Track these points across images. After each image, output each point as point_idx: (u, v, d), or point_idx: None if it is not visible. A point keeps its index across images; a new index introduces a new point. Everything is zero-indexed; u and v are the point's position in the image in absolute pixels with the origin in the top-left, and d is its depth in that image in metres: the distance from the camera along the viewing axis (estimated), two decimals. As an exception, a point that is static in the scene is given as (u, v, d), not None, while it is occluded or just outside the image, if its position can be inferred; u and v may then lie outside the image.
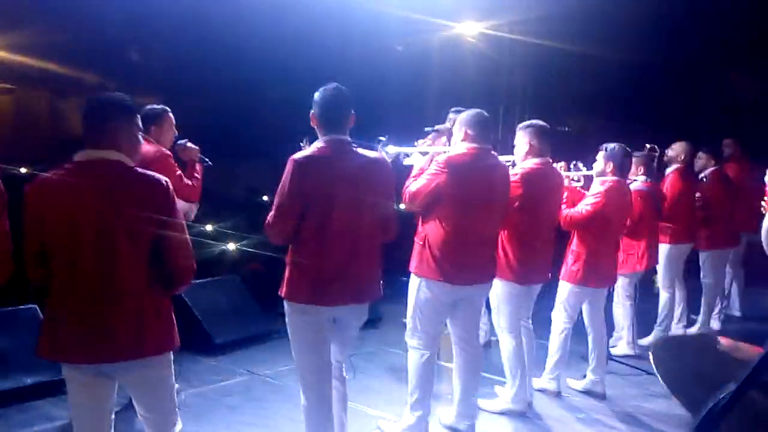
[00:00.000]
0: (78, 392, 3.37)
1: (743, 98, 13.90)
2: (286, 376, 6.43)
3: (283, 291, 3.92)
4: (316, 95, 3.90)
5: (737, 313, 9.00)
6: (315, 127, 3.90)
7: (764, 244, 4.35)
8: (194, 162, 5.88)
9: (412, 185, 4.74)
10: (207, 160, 6.09)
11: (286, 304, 3.97)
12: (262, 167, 14.79)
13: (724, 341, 2.75)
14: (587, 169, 6.26)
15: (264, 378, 6.65)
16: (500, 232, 5.13)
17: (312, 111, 3.89)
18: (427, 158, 4.87)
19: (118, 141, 3.27)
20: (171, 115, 5.75)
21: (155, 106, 5.70)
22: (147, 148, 4.87)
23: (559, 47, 10.59)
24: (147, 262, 3.23)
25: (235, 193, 13.57)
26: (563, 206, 5.78)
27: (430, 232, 4.70)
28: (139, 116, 3.48)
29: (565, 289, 5.98)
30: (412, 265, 4.81)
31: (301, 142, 4.30)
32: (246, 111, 14.57)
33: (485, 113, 4.92)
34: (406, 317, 5.08)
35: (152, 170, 3.39)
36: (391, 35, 12.89)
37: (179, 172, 5.58)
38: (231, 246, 9.05)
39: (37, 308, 6.19)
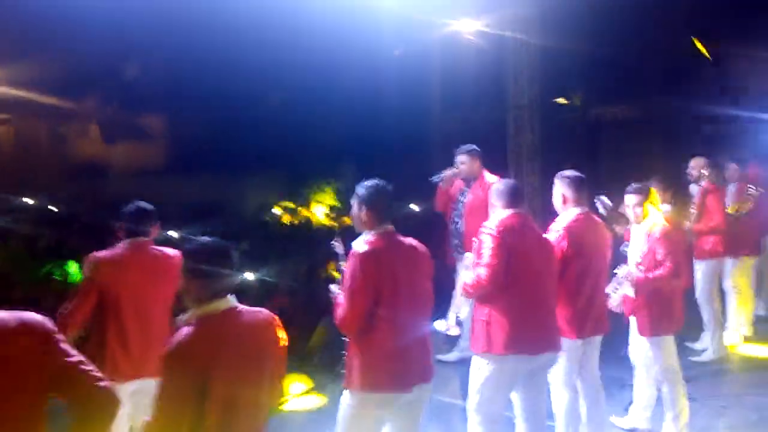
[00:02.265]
0: None
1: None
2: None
3: (354, 382, 3.90)
4: (360, 192, 4.07)
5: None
6: (364, 221, 4.03)
7: None
8: None
9: (480, 269, 4.54)
10: None
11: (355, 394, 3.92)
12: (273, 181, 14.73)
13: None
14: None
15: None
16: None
17: (359, 207, 4.06)
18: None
19: None
20: None
21: None
22: None
23: (563, 45, 10.49)
24: None
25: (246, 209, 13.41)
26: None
27: (495, 305, 4.49)
28: None
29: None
30: (477, 345, 4.55)
31: (335, 241, 4.35)
32: (251, 121, 14.50)
33: (514, 182, 4.93)
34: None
35: None
36: (387, 39, 12.80)
37: None
38: (249, 275, 7.54)
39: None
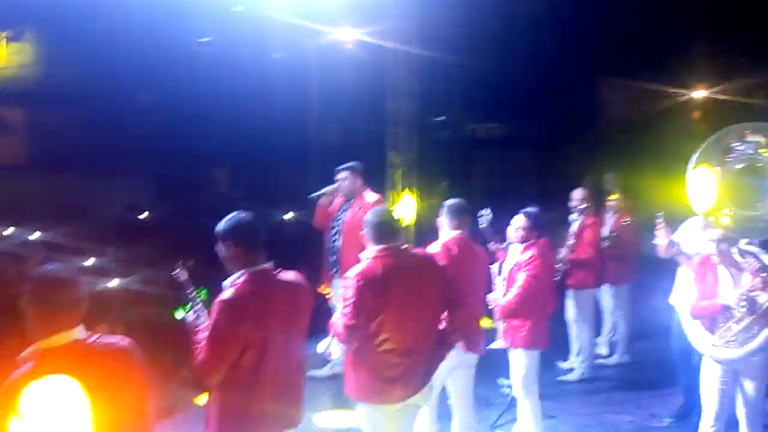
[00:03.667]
0: None
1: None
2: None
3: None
4: (221, 229, 3.67)
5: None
6: (233, 260, 3.66)
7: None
8: None
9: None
10: None
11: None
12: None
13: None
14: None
15: None
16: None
17: (225, 247, 3.67)
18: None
19: None
20: None
21: None
22: None
23: (445, 57, 10.64)
24: None
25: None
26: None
27: None
28: None
29: None
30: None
31: (178, 269, 3.99)
32: (117, 120, 13.90)
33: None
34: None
35: None
36: (269, 42, 12.62)
37: None
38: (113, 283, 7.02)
39: None
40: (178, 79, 13.13)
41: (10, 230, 7.08)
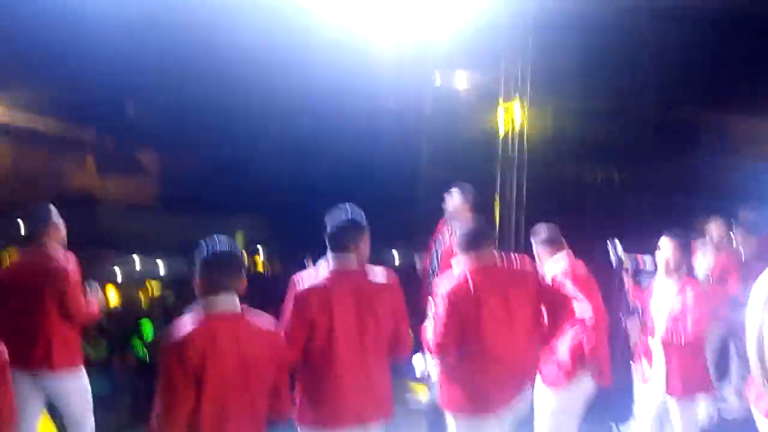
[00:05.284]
0: None
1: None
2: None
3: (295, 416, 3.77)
4: (327, 218, 3.80)
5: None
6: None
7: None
8: None
9: None
10: None
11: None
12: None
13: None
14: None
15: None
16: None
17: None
18: None
19: None
20: None
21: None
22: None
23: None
24: None
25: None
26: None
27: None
28: None
29: None
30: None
31: (306, 258, 4.22)
32: (240, 164, 14.59)
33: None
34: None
35: None
36: (384, 89, 12.92)
37: None
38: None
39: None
40: (297, 129, 13.70)
41: (136, 259, 7.63)
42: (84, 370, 4.76)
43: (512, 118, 9.10)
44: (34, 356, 4.47)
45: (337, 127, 13.43)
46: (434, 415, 5.29)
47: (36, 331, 4.50)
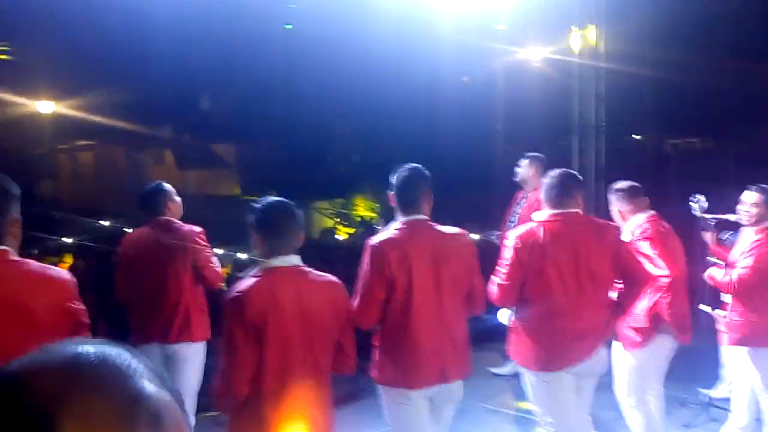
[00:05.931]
0: None
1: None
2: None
3: (374, 373, 3.74)
4: (392, 177, 3.76)
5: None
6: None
7: None
8: None
9: None
10: None
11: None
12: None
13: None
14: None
15: None
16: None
17: (390, 192, 3.78)
18: None
19: None
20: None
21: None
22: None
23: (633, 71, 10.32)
24: None
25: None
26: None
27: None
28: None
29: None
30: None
31: (377, 225, 4.17)
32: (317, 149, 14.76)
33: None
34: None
35: None
36: (453, 66, 12.85)
37: None
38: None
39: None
40: (372, 109, 13.74)
41: (220, 250, 7.82)
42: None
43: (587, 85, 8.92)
44: (172, 329, 4.53)
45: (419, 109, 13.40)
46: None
47: (175, 303, 4.56)
